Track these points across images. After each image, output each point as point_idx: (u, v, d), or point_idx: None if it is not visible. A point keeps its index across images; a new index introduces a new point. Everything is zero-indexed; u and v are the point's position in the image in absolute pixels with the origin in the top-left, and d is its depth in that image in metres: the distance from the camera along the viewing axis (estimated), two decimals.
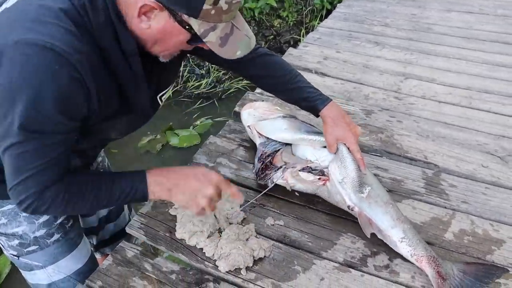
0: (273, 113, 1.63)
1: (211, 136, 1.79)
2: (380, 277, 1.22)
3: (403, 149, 1.75)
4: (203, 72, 4.14)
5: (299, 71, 1.46)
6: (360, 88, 2.24)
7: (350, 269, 1.24)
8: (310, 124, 1.60)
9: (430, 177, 1.60)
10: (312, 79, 2.28)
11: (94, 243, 1.67)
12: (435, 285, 1.16)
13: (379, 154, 1.73)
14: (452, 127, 1.92)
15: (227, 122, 1.89)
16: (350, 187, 1.33)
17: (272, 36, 4.96)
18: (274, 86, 1.47)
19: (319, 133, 1.49)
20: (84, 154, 1.26)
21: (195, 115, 3.66)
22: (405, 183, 1.57)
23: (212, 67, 4.14)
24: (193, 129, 3.47)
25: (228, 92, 3.96)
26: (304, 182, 1.40)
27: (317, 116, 1.44)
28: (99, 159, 1.54)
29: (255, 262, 1.24)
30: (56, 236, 1.28)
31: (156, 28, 0.94)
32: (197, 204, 1.11)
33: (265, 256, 1.25)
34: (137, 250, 1.29)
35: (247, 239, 1.28)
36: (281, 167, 1.44)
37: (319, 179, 1.39)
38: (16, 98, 0.85)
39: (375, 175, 1.58)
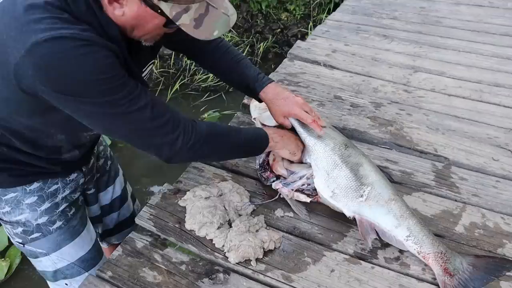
0: None
1: None
2: (390, 269, 1.21)
3: (413, 142, 1.74)
4: None
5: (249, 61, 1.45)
6: (369, 81, 2.22)
7: (361, 261, 1.24)
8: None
9: (440, 170, 1.59)
10: (321, 72, 2.29)
11: (100, 232, 1.68)
12: (441, 284, 1.15)
13: (388, 147, 1.72)
14: (462, 121, 1.90)
15: (235, 114, 1.89)
16: (345, 197, 1.29)
17: (279, 30, 4.94)
18: (218, 67, 1.47)
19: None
20: (83, 145, 1.29)
21: (203, 108, 3.66)
22: (415, 175, 1.56)
23: None
24: None
25: None
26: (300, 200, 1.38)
27: (260, 101, 1.43)
28: (101, 148, 1.54)
29: (265, 253, 1.24)
30: (58, 223, 1.29)
31: (130, 15, 0.94)
32: (299, 147, 1.38)
33: (275, 248, 1.25)
34: (147, 241, 1.30)
35: (257, 231, 1.28)
36: (278, 177, 1.40)
37: (312, 199, 1.35)
38: (71, 93, 0.91)
39: (385, 167, 1.57)
